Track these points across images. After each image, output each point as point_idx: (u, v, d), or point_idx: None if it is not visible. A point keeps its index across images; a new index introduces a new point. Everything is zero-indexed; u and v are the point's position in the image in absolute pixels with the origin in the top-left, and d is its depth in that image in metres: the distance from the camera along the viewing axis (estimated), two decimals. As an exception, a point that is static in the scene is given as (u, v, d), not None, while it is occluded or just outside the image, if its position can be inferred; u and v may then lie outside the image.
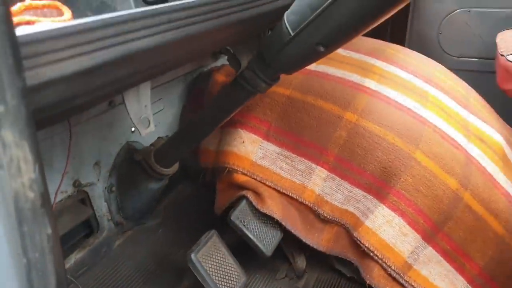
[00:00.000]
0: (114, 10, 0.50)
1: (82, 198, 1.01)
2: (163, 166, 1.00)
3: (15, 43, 0.28)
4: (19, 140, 0.27)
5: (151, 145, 1.07)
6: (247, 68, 0.79)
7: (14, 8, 0.45)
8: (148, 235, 1.13)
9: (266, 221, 0.95)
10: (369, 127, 0.92)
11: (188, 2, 0.53)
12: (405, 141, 0.90)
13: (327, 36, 0.66)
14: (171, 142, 1.01)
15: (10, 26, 0.27)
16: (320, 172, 0.96)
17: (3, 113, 0.26)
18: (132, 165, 1.04)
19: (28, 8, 0.45)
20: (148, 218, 1.17)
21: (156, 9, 0.48)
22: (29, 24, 0.43)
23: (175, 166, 1.04)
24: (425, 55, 1.23)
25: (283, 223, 0.94)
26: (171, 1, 0.55)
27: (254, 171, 0.99)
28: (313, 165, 0.96)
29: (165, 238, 1.13)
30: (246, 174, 0.99)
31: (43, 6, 0.46)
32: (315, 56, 0.74)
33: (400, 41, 1.49)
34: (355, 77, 1.03)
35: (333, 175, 0.94)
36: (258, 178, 0.99)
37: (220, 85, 1.12)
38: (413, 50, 1.24)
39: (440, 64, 1.20)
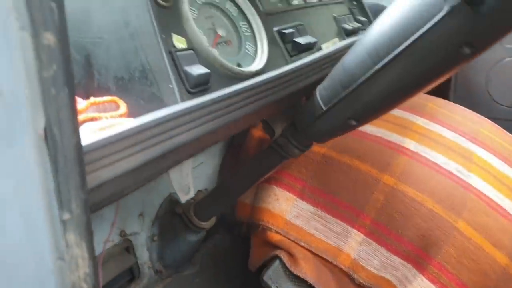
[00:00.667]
0: (162, 101, 0.53)
1: (126, 246, 1.06)
2: (202, 219, 1.03)
3: (81, 160, 0.31)
4: (79, 241, 0.32)
5: (192, 198, 1.10)
6: (281, 135, 0.80)
7: (82, 106, 0.50)
8: (185, 283, 1.16)
9: (299, 284, 0.94)
10: (408, 192, 0.90)
11: (230, 92, 0.56)
12: (446, 209, 0.86)
13: (359, 112, 0.67)
14: (210, 198, 1.03)
15: (79, 149, 0.31)
16: (356, 236, 0.94)
17: (69, 220, 0.31)
18: (173, 217, 1.07)
19: (92, 105, 0.50)
20: (186, 267, 1.19)
21: (201, 103, 0.51)
22: (93, 120, 0.48)
23: (213, 220, 1.06)
24: (472, 104, 1.19)
25: (316, 286, 0.92)
26: (212, 89, 0.58)
27: (288, 230, 0.99)
28: (349, 228, 0.95)
29: (201, 287, 1.15)
30: (280, 233, 0.99)
31: (104, 102, 0.52)
32: (347, 129, 0.74)
33: (445, 90, 1.45)
34: (394, 137, 1.01)
35: (370, 240, 0.92)
36: (292, 238, 0.98)
37: (257, 140, 1.14)
38: (459, 99, 1.21)
39: (487, 119, 1.15)
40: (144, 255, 1.10)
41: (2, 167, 0.31)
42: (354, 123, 0.68)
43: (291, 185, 1.03)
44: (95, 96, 0.62)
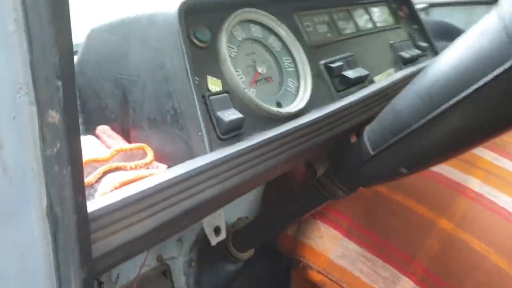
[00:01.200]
0: (191, 148, 0.52)
1: (164, 270, 1.07)
2: (240, 250, 1.01)
3: (85, 237, 0.30)
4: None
5: (231, 225, 1.09)
6: (324, 174, 0.76)
7: (107, 155, 0.50)
8: (221, 310, 1.15)
9: (340, 329, 0.89)
10: (468, 240, 0.81)
11: (262, 140, 0.53)
12: (512, 265, 0.77)
13: (411, 161, 0.61)
14: (249, 228, 1.01)
15: (82, 226, 0.30)
16: (406, 284, 0.86)
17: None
18: (211, 244, 1.07)
19: (118, 152, 0.50)
20: (223, 294, 1.18)
21: (227, 155, 0.49)
22: (118, 170, 0.48)
23: (251, 251, 1.04)
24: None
25: (359, 334, 0.87)
26: (246, 134, 0.56)
27: (330, 270, 0.94)
28: (398, 274, 0.88)
29: (238, 315, 1.13)
30: (321, 273, 0.94)
31: (131, 149, 0.51)
32: (397, 176, 0.69)
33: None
34: (456, 174, 0.92)
35: (421, 290, 0.85)
36: (334, 279, 0.93)
37: (300, 173, 1.11)
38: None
39: None
40: (181, 279, 1.09)
41: (5, 241, 0.31)
42: (404, 171, 0.63)
43: (337, 222, 0.97)
44: (129, 133, 0.62)
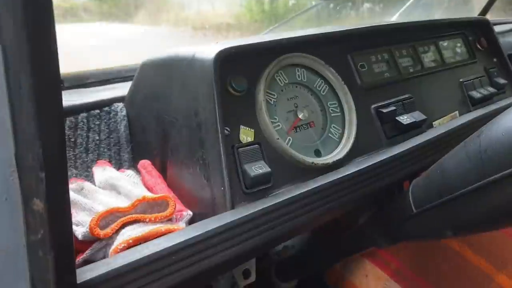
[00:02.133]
0: (213, 200, 0.51)
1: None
2: (282, 280, 0.98)
3: None
4: None
5: (276, 253, 1.06)
6: (366, 223, 0.71)
7: (127, 205, 0.50)
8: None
9: None
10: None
11: (295, 195, 0.51)
12: None
13: (456, 226, 0.55)
14: (295, 259, 0.98)
15: None
16: None
17: None
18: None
19: (140, 202, 0.51)
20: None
21: (249, 214, 0.47)
22: (136, 221, 0.48)
23: (293, 282, 1.01)
24: None
25: None
26: (275, 186, 0.54)
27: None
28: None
29: None
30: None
31: (154, 200, 0.51)
32: (441, 237, 0.62)
33: None
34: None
35: None
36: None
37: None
38: None
39: None
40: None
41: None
42: (449, 234, 0.56)
43: (385, 262, 0.91)
44: (167, 171, 0.63)
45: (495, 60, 0.94)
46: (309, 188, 0.52)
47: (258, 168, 0.52)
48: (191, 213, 0.53)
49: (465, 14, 1.69)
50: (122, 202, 0.58)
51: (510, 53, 1.06)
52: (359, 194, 0.57)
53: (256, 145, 0.54)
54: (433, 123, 0.75)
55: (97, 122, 0.72)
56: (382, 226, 0.67)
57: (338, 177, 0.55)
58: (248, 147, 0.53)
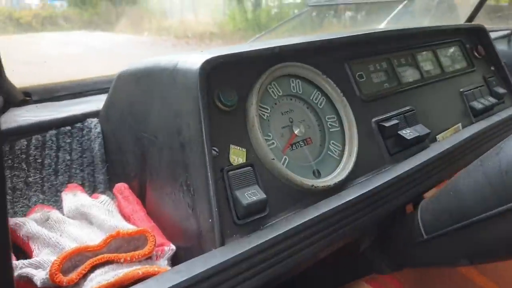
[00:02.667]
0: (201, 234, 0.44)
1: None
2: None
3: None
4: None
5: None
6: (370, 247, 0.64)
7: (99, 242, 0.42)
8: None
9: None
10: None
11: (293, 228, 0.44)
12: None
13: (475, 253, 0.49)
14: (291, 285, 0.91)
15: None
16: None
17: None
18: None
19: (113, 238, 0.43)
20: None
21: (242, 253, 0.40)
22: (109, 263, 0.40)
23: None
24: None
25: None
26: (271, 214, 0.46)
27: None
28: None
29: None
30: None
31: (130, 235, 0.44)
32: (454, 265, 0.56)
33: None
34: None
35: None
36: None
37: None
38: None
39: None
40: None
41: None
42: (465, 262, 0.50)
43: (386, 286, 0.85)
44: (146, 196, 0.55)
45: (492, 68, 0.89)
46: (311, 217, 0.45)
47: (251, 195, 0.44)
48: (174, 247, 0.46)
49: (452, 21, 1.67)
50: (94, 235, 0.50)
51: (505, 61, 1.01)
52: (365, 220, 0.51)
53: (249, 167, 0.47)
54: (437, 137, 0.69)
55: (68, 140, 0.64)
56: (386, 252, 0.61)
57: (342, 202, 0.48)
58: (240, 170, 0.46)
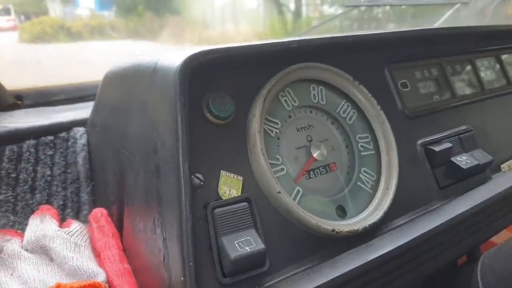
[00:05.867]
0: None
1: None
2: None
3: None
4: None
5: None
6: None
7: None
8: None
9: None
10: None
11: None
12: None
13: None
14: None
15: None
16: None
17: None
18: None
19: None
20: None
21: None
22: None
23: None
24: None
25: None
26: (271, 271, 0.33)
27: None
28: None
29: None
30: None
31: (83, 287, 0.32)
32: None
33: None
34: None
35: None
36: None
37: None
38: None
39: None
40: None
41: None
42: None
43: None
44: (123, 226, 0.43)
45: None
46: (328, 279, 0.31)
47: (244, 244, 0.31)
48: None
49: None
50: (51, 277, 0.38)
51: None
52: (405, 281, 0.36)
53: (244, 203, 0.33)
54: (501, 166, 0.53)
55: (50, 152, 0.53)
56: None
57: (374, 256, 0.34)
58: (231, 207, 0.32)
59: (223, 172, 0.34)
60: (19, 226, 0.49)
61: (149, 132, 0.35)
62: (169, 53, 0.36)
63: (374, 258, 0.34)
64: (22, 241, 0.43)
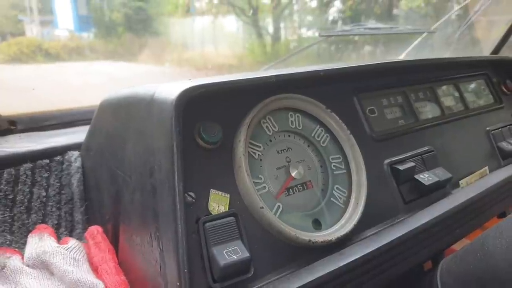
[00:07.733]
0: None
1: None
2: None
3: None
4: None
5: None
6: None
7: None
8: None
9: None
10: None
11: None
12: None
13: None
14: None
15: None
16: None
17: None
18: None
19: None
20: None
21: None
22: None
23: None
24: None
25: None
26: (256, 276, 0.38)
27: None
28: None
29: None
30: None
31: None
32: None
33: None
34: None
35: None
36: None
37: None
38: None
39: None
40: None
41: None
42: None
43: None
44: (119, 242, 0.47)
45: (523, 105, 0.80)
46: (304, 283, 0.36)
47: (232, 252, 0.36)
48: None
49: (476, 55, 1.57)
50: (53, 288, 0.42)
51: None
52: (373, 284, 0.41)
53: (231, 217, 0.38)
54: (460, 182, 0.60)
55: (46, 175, 0.57)
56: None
57: (344, 262, 0.39)
58: (220, 221, 0.38)
59: (212, 191, 0.39)
60: (15, 245, 0.53)
61: (145, 156, 0.40)
62: (164, 86, 0.41)
63: (345, 264, 0.39)
64: (22, 258, 0.47)
